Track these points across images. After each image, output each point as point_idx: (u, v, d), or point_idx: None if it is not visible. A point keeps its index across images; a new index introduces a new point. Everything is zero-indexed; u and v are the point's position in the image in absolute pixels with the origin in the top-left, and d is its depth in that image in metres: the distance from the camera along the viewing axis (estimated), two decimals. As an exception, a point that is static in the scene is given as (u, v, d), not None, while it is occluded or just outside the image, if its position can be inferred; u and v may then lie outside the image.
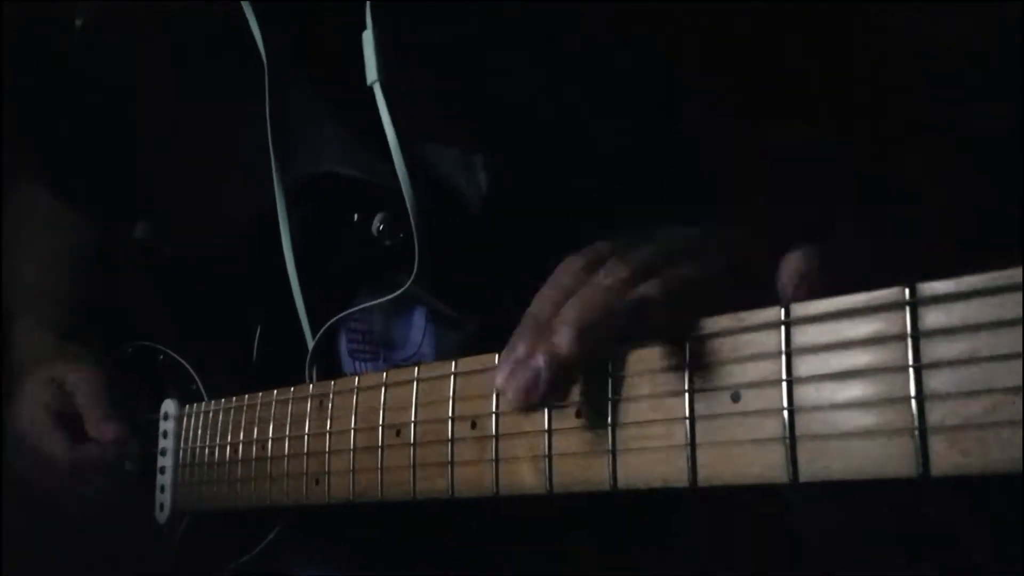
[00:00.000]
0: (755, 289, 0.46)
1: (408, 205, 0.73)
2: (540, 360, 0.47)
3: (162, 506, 0.89)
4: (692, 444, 0.46)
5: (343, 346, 0.85)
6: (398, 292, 0.76)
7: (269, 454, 0.76)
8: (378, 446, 0.64)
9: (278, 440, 0.75)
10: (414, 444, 0.61)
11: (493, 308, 0.67)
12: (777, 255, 0.46)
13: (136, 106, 0.95)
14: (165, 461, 0.89)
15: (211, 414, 0.85)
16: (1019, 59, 0.65)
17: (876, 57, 0.73)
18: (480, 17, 0.77)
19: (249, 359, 0.88)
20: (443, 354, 0.82)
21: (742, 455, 0.44)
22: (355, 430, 0.67)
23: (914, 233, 0.70)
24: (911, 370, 0.39)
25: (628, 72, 0.75)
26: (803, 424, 0.42)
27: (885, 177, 0.73)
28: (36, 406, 0.91)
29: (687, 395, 0.47)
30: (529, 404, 0.49)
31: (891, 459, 0.39)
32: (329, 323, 0.80)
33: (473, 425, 0.58)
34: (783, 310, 0.44)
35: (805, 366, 0.43)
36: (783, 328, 0.43)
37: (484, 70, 0.77)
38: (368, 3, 0.76)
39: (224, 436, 0.82)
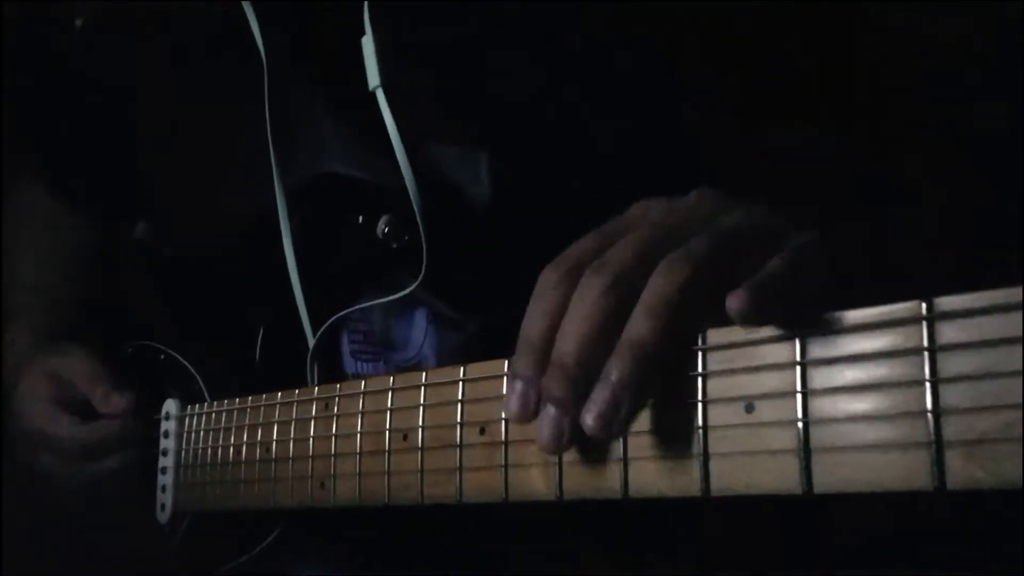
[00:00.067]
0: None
1: (415, 208, 0.73)
2: (558, 413, 0.47)
3: (163, 506, 0.89)
4: (705, 454, 0.46)
5: (345, 346, 0.85)
6: (404, 293, 0.75)
7: (273, 456, 0.76)
8: (385, 450, 0.64)
9: (282, 442, 0.75)
10: (422, 449, 0.61)
11: (494, 309, 0.67)
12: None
13: (136, 106, 0.95)
14: (167, 461, 0.89)
15: (214, 415, 0.85)
16: (1019, 59, 0.65)
17: (876, 57, 0.73)
18: (480, 17, 0.76)
19: (251, 359, 0.88)
20: (444, 355, 0.83)
21: (755, 466, 0.45)
22: (361, 434, 0.66)
23: (914, 233, 0.71)
24: (928, 384, 0.39)
25: (628, 72, 0.75)
26: (818, 436, 0.43)
27: (885, 177, 0.73)
28: (40, 401, 0.91)
29: (700, 405, 0.47)
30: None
31: (907, 472, 0.39)
32: (329, 321, 0.80)
33: (482, 431, 0.57)
34: (797, 322, 0.44)
35: (820, 378, 0.43)
36: (797, 340, 0.44)
37: (485, 70, 0.77)
38: (366, 4, 0.75)
39: (227, 437, 0.82)
